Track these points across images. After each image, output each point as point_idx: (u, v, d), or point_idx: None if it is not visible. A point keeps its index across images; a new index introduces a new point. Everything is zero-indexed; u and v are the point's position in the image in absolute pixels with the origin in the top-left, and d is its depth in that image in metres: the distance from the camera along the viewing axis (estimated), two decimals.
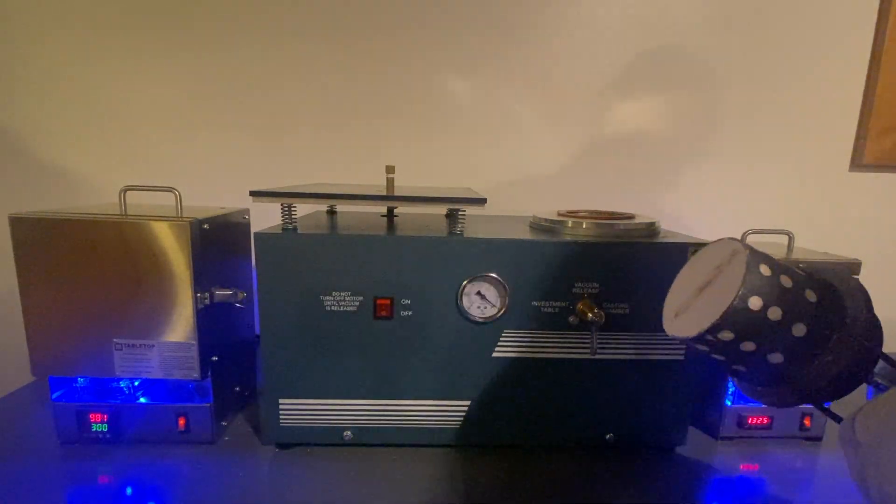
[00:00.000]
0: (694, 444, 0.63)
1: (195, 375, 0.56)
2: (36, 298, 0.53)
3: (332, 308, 0.56)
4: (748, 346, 0.39)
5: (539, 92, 0.92)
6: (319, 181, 0.91)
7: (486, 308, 0.57)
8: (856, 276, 0.42)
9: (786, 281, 0.39)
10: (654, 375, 0.59)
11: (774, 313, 0.38)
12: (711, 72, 0.92)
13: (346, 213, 0.76)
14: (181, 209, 0.58)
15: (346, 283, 0.55)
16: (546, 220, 0.65)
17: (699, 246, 0.56)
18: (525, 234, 0.60)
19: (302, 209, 0.63)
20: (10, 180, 0.90)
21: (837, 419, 0.41)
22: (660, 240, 0.59)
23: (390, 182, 0.63)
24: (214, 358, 0.59)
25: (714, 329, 0.38)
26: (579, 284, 0.57)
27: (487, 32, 0.89)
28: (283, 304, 0.55)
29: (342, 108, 0.91)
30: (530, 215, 0.72)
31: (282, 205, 0.56)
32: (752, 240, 0.61)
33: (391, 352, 0.57)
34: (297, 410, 0.58)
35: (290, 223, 0.57)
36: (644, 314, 0.58)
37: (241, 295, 0.59)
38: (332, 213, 0.77)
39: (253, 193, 0.55)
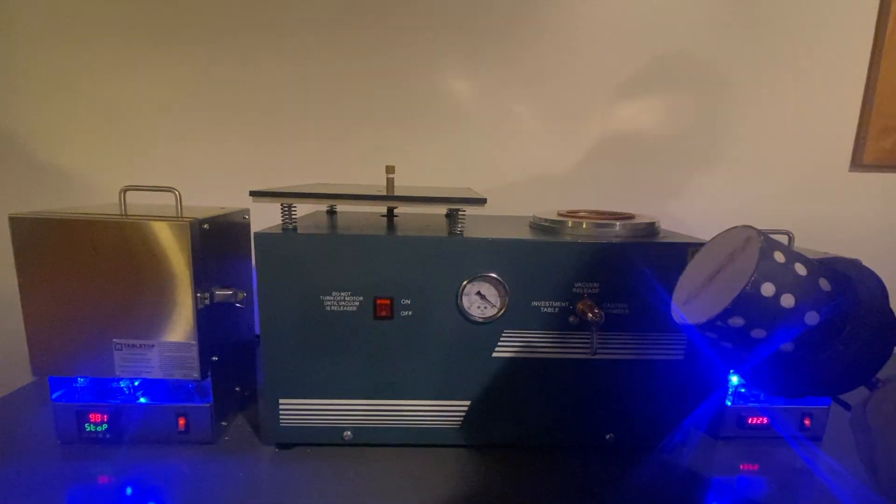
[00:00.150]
0: (694, 444, 0.63)
1: (195, 375, 0.56)
2: (36, 298, 0.53)
3: (332, 308, 0.56)
4: (759, 333, 0.38)
5: (539, 92, 0.92)
6: (319, 181, 0.91)
7: (486, 308, 0.57)
8: (872, 269, 0.41)
9: (800, 269, 0.38)
10: (654, 375, 0.59)
11: (787, 300, 0.37)
12: (712, 72, 0.92)
13: (346, 213, 0.76)
14: (181, 209, 0.58)
15: (346, 283, 0.55)
16: (546, 220, 0.65)
17: (699, 246, 0.56)
18: (525, 234, 0.60)
19: (302, 209, 0.63)
20: (10, 180, 0.90)
21: (847, 406, 0.41)
22: (660, 240, 0.59)
23: (390, 182, 0.63)
24: (214, 358, 0.59)
25: (725, 315, 0.37)
26: (579, 284, 0.57)
27: (488, 32, 0.89)
28: (283, 304, 0.55)
29: (342, 108, 0.91)
30: (530, 215, 0.72)
31: (282, 205, 0.56)
32: None
33: (391, 352, 0.57)
34: (297, 410, 0.58)
35: (290, 223, 0.57)
36: (644, 314, 0.58)
37: (241, 295, 0.59)
38: (332, 213, 0.77)
39: (253, 193, 0.55)
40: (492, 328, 0.57)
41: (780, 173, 0.96)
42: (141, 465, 0.55)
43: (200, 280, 0.55)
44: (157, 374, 0.56)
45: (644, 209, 0.95)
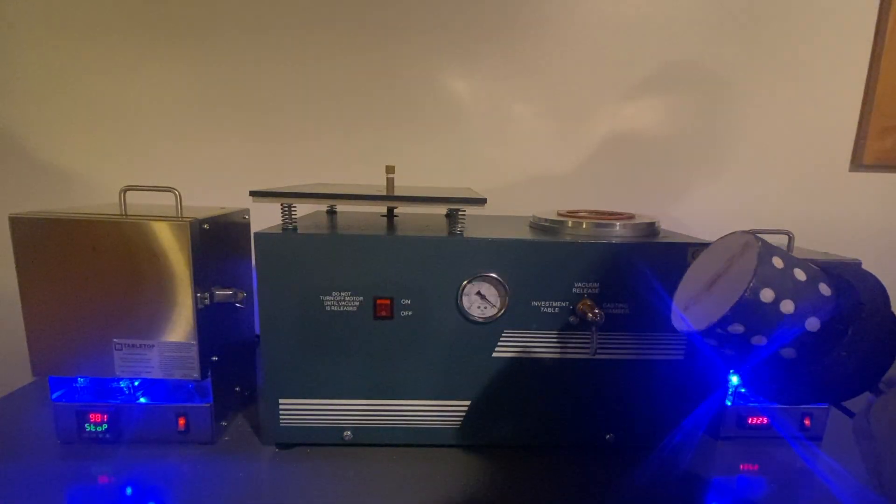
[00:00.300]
0: (694, 444, 0.63)
1: (195, 375, 0.56)
2: (36, 298, 0.53)
3: (332, 308, 0.56)
4: (759, 339, 0.38)
5: (539, 92, 0.92)
6: (319, 181, 0.91)
7: (486, 308, 0.57)
8: (873, 274, 0.41)
9: (799, 274, 0.38)
10: (654, 375, 0.59)
11: (787, 306, 0.36)
12: (712, 72, 0.92)
13: (346, 213, 0.76)
14: (181, 209, 0.58)
15: (346, 283, 0.55)
16: (546, 220, 0.65)
17: (699, 246, 0.56)
18: (525, 234, 0.60)
19: (302, 209, 0.63)
20: (10, 180, 0.90)
21: (850, 413, 0.40)
22: (660, 240, 0.59)
23: (390, 182, 0.63)
24: (214, 358, 0.59)
25: (724, 322, 0.37)
26: (579, 284, 0.57)
27: (489, 32, 0.89)
28: (283, 304, 0.55)
29: (342, 108, 0.91)
30: (530, 215, 0.72)
31: (282, 205, 0.56)
32: None
33: (391, 352, 0.57)
34: (297, 410, 0.58)
35: (290, 223, 0.57)
36: (644, 314, 0.58)
37: (241, 295, 0.59)
38: (332, 213, 0.77)
39: (253, 193, 0.55)
40: (492, 328, 0.57)
41: (780, 173, 0.96)
42: (141, 465, 0.55)
43: (200, 280, 0.55)
44: (157, 374, 0.56)
45: (644, 209, 0.95)
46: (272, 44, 0.88)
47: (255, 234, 0.54)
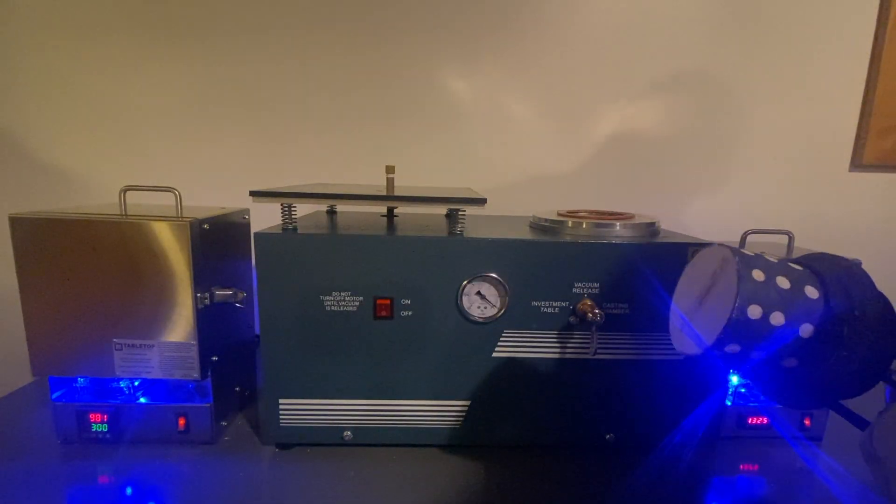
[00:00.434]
0: (694, 444, 0.63)
1: (195, 375, 0.56)
2: (36, 298, 0.53)
3: (332, 308, 0.56)
4: (757, 354, 0.38)
5: (539, 92, 0.92)
6: (319, 181, 0.91)
7: (486, 308, 0.57)
8: (857, 261, 0.40)
9: (782, 282, 0.37)
10: (654, 375, 0.59)
11: (777, 318, 0.36)
12: (712, 72, 0.92)
13: (346, 213, 0.76)
14: (181, 209, 0.58)
15: (346, 283, 0.55)
16: (546, 220, 0.65)
17: (699, 246, 0.56)
18: (525, 234, 0.60)
19: (302, 209, 0.63)
20: (10, 180, 0.90)
21: (856, 421, 0.40)
22: (660, 240, 0.59)
23: (390, 182, 0.63)
24: (214, 358, 0.59)
25: (718, 345, 0.37)
26: (579, 284, 0.57)
27: (488, 32, 0.89)
28: (283, 304, 0.55)
29: (342, 107, 0.91)
30: (530, 215, 0.72)
31: (282, 205, 0.56)
32: (752, 240, 0.61)
33: (391, 352, 0.57)
34: (297, 410, 0.58)
35: (290, 223, 0.57)
36: (644, 314, 0.58)
37: (241, 295, 0.59)
38: (332, 213, 0.77)
39: (253, 193, 0.55)
40: (492, 328, 0.57)
41: (780, 173, 0.96)
42: (141, 465, 0.55)
43: (200, 280, 0.55)
44: (157, 374, 0.56)
45: (644, 209, 0.95)
46: (272, 43, 0.88)
47: (255, 234, 0.54)
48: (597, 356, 0.58)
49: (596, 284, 0.57)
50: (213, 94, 0.89)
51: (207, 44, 0.87)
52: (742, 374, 0.41)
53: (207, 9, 0.86)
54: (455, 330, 0.57)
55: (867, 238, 1.00)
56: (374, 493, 0.52)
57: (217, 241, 0.59)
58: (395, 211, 0.74)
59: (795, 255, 0.62)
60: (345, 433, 0.59)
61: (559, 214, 0.66)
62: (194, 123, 0.90)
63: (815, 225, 0.98)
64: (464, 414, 0.60)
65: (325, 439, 0.59)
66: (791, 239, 0.64)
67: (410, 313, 0.56)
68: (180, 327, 0.55)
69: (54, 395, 0.58)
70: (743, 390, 0.64)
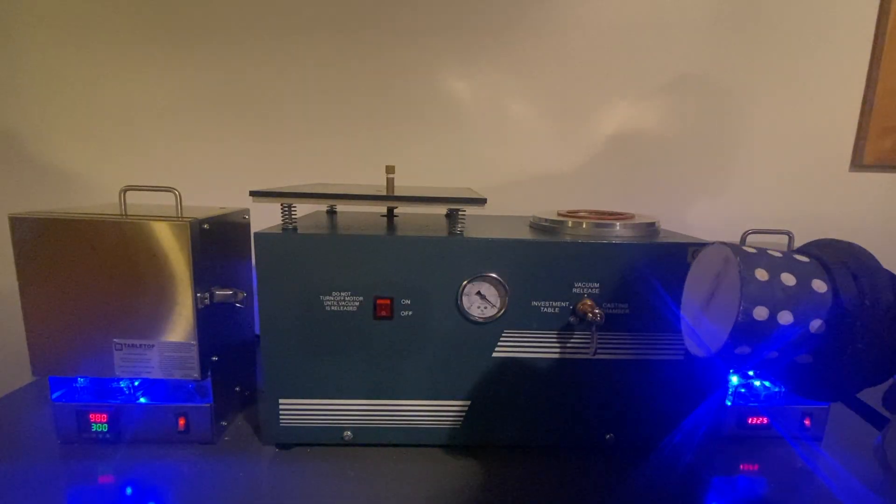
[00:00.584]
0: (694, 444, 0.63)
1: (195, 375, 0.56)
2: (36, 298, 0.53)
3: (332, 308, 0.56)
4: (771, 354, 0.37)
5: (539, 92, 0.92)
6: (319, 181, 0.91)
7: (486, 308, 0.57)
8: (864, 248, 0.39)
9: (788, 279, 0.36)
10: (654, 375, 0.59)
11: (785, 317, 0.35)
12: (712, 73, 0.92)
13: (346, 213, 0.76)
14: (181, 209, 0.58)
15: (346, 283, 0.55)
16: (546, 220, 0.65)
17: (699, 246, 0.56)
18: (525, 234, 0.60)
19: (302, 209, 0.63)
20: (10, 180, 0.90)
21: (876, 421, 0.39)
22: (660, 240, 0.59)
23: (390, 182, 0.63)
24: (214, 358, 0.59)
25: (728, 348, 0.36)
26: (579, 284, 0.57)
27: (488, 32, 0.89)
28: (283, 304, 0.55)
29: (342, 108, 0.91)
30: (530, 215, 0.72)
31: (282, 205, 0.56)
32: (752, 240, 0.61)
33: (391, 352, 0.57)
34: (297, 410, 0.58)
35: (290, 223, 0.57)
36: (644, 314, 0.58)
37: (241, 295, 0.59)
38: (332, 213, 0.77)
39: (253, 193, 0.55)
40: (492, 328, 0.57)
41: (780, 173, 0.96)
42: (141, 465, 0.55)
43: (200, 280, 0.55)
44: (157, 374, 0.56)
45: (644, 209, 0.95)
46: (272, 44, 0.88)
47: (255, 234, 0.54)
48: (597, 356, 0.58)
49: (596, 284, 0.57)
50: (214, 94, 0.89)
51: (208, 44, 0.87)
52: (757, 373, 0.40)
53: (208, 10, 0.86)
54: (455, 330, 0.57)
55: (867, 238, 0.99)
56: (374, 493, 0.52)
57: (217, 241, 0.59)
58: (395, 211, 0.74)
59: None
60: (345, 433, 0.59)
61: (559, 214, 0.66)
62: (194, 123, 0.90)
63: (815, 225, 0.98)
64: (464, 414, 0.60)
65: (325, 439, 0.59)
66: (791, 239, 0.64)
67: (410, 313, 0.56)
68: (180, 327, 0.55)
69: (54, 395, 0.58)
70: (743, 390, 0.64)
